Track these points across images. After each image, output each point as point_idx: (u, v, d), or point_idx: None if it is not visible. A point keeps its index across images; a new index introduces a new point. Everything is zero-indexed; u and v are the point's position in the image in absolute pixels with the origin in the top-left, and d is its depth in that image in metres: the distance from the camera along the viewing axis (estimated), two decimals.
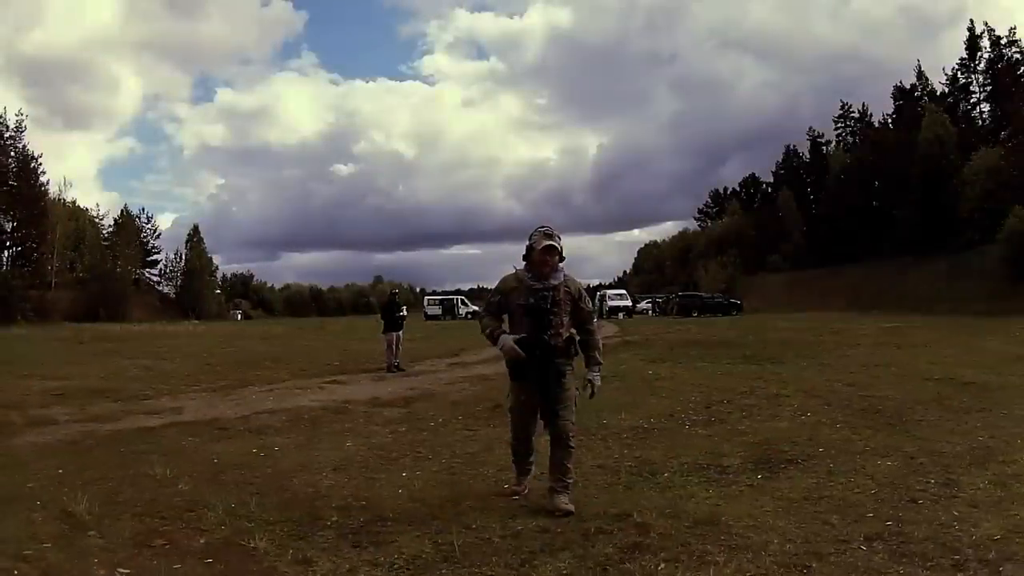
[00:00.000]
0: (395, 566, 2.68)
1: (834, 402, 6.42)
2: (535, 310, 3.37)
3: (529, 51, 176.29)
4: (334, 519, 3.24)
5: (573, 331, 3.52)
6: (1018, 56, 41.76)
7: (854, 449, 4.43)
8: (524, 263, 3.50)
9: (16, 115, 42.60)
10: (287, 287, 74.95)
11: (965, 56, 45.40)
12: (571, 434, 3.48)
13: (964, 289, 25.72)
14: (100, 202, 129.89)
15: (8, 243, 42.97)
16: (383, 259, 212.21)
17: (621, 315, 35.96)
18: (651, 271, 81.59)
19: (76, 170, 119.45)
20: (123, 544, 2.98)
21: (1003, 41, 43.64)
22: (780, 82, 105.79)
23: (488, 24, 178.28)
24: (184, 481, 3.97)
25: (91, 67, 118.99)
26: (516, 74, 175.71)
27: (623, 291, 43.40)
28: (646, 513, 3.12)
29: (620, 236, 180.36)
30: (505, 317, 3.58)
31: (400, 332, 11.39)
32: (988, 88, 44.05)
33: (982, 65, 44.58)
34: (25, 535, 3.04)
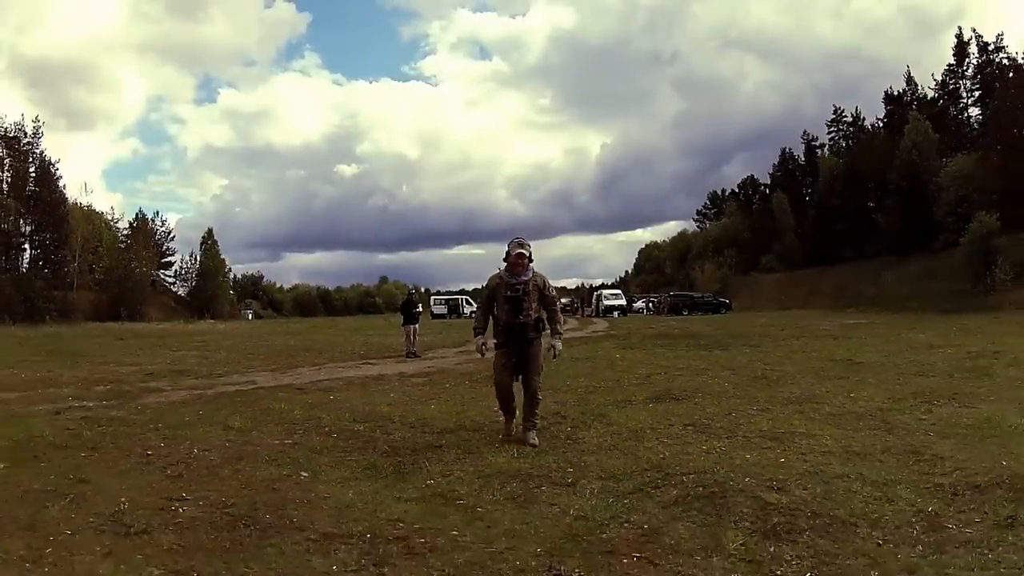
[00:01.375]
0: (427, 433, 5.17)
1: (740, 372, 8.89)
2: (512, 298, 4.85)
3: (531, 51, 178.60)
4: (395, 422, 5.74)
5: (541, 312, 4.95)
6: (1006, 61, 43.85)
7: (723, 394, 6.91)
8: (504, 264, 5.00)
9: (33, 121, 44.67)
10: (296, 287, 77.79)
11: (953, 62, 47.73)
12: (537, 388, 4.91)
13: (933, 289, 28.01)
14: (104, 203, 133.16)
15: (26, 245, 45.50)
16: (387, 259, 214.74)
17: (616, 314, 38.61)
18: (651, 271, 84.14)
19: (80, 171, 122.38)
20: (275, 438, 5.42)
21: (991, 47, 46.03)
22: (782, 82, 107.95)
23: (490, 24, 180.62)
24: (296, 410, 6.48)
25: (94, 69, 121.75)
26: (519, 74, 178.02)
27: (618, 291, 46.07)
28: (571, 414, 5.62)
29: (623, 236, 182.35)
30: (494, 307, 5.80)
31: (416, 325, 13.92)
32: (977, 92, 46.30)
33: (970, 71, 46.85)
34: (207, 438, 5.39)
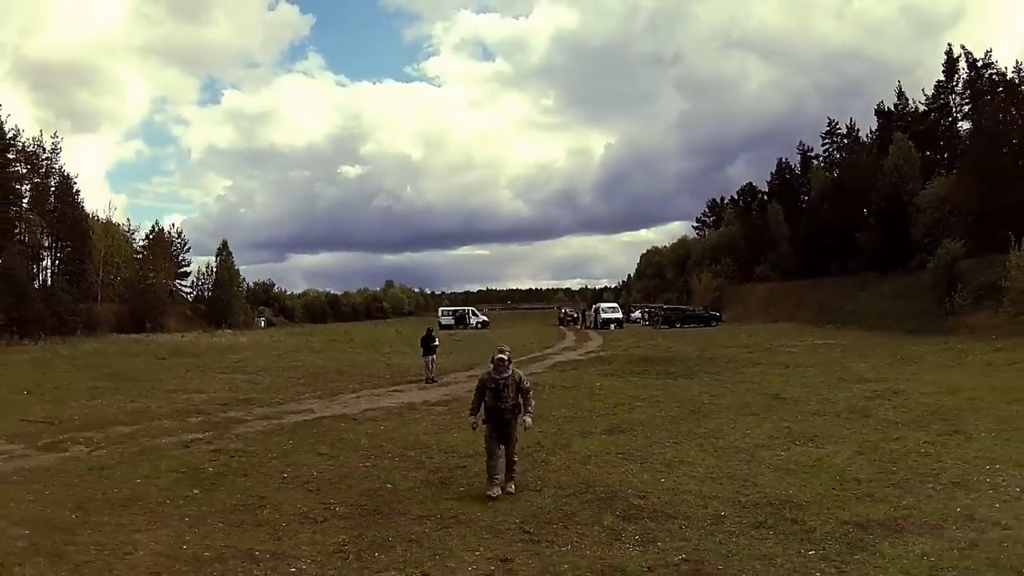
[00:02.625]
0: (455, 456, 8.19)
1: (684, 405, 11.89)
2: (495, 390, 6.89)
3: (534, 52, 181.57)
4: (433, 448, 8.77)
5: (519, 399, 6.92)
6: (995, 77, 46.24)
7: (658, 427, 9.92)
8: (491, 365, 7.18)
9: (52, 137, 47.15)
10: (305, 294, 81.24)
11: (943, 79, 50.36)
12: (514, 454, 6.93)
13: (904, 308, 30.64)
14: (108, 203, 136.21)
15: (46, 258, 48.17)
16: (391, 260, 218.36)
17: (613, 326, 41.69)
18: (652, 276, 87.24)
19: (84, 173, 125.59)
20: (357, 461, 8.43)
21: (979, 63, 48.61)
22: (785, 82, 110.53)
23: (493, 25, 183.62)
24: (362, 439, 9.53)
25: (98, 71, 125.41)
26: (522, 75, 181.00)
27: (615, 304, 49.32)
28: (546, 443, 8.65)
29: (627, 236, 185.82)
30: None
31: (434, 356, 16.95)
32: (967, 107, 48.88)
33: (960, 86, 49.44)
34: (312, 463, 8.41)
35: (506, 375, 6.95)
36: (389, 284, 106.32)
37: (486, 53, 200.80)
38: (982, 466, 7.18)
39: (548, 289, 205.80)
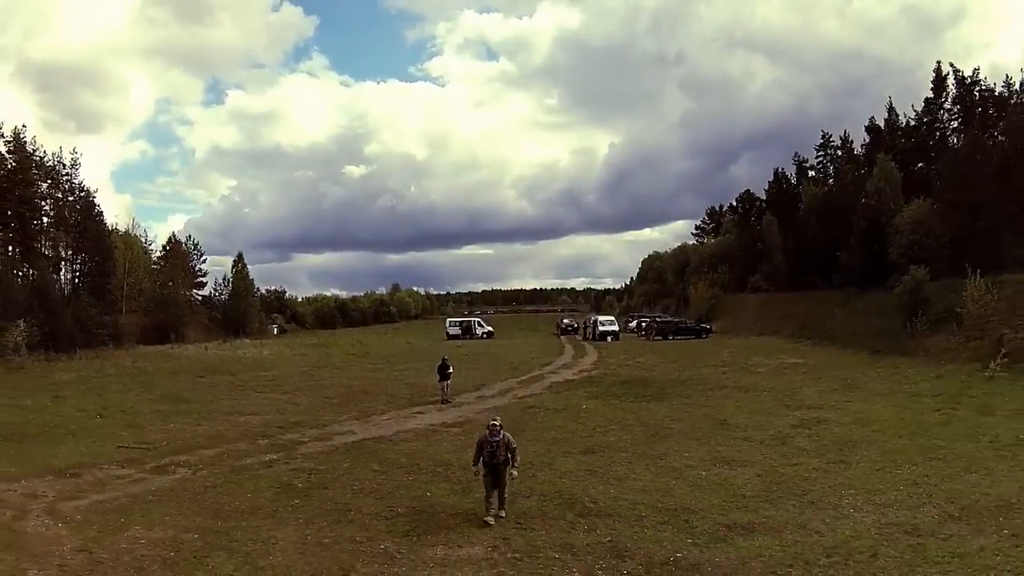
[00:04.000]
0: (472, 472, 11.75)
1: (648, 428, 15.41)
2: (491, 451, 9.23)
3: (538, 52, 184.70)
4: (455, 466, 12.33)
5: (508, 455, 9.22)
6: (983, 92, 48.98)
7: (622, 449, 13.45)
8: (487, 430, 9.48)
9: (71, 153, 49.95)
10: (316, 300, 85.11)
11: (931, 96, 53.44)
12: (505, 495, 9.24)
13: (876, 327, 33.65)
14: (112, 204, 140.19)
15: (67, 270, 51.05)
16: (395, 259, 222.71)
17: (609, 339, 45.32)
18: (654, 280, 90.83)
19: (89, 174, 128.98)
20: (402, 477, 11.96)
21: (967, 81, 51.65)
22: (788, 81, 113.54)
23: (496, 25, 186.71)
24: (401, 458, 13.09)
25: (102, 72, 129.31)
26: (525, 75, 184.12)
27: (612, 318, 52.97)
28: (536, 462, 12.21)
29: (631, 236, 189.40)
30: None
31: (448, 381, 20.49)
32: (957, 122, 51.89)
33: (948, 102, 52.49)
34: (369, 478, 12.04)
35: (497, 439, 9.51)
36: (395, 288, 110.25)
37: (490, 53, 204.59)
38: (840, 490, 10.40)
39: (552, 289, 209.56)
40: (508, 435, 9.69)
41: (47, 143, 72.95)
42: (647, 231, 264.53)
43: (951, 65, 50.73)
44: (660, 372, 26.21)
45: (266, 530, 9.18)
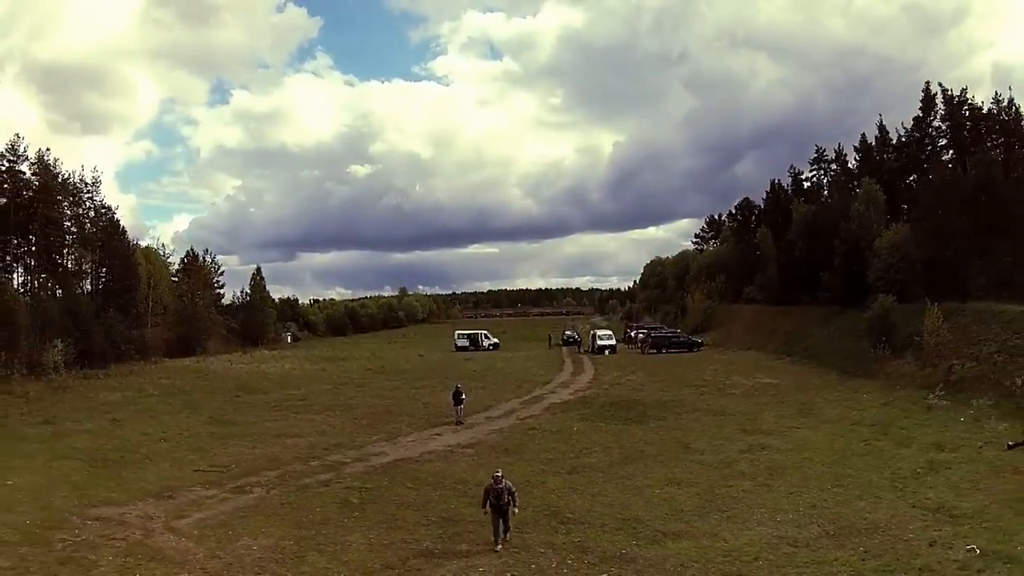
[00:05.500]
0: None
1: (624, 450, 19.57)
2: (496, 496, 12.19)
3: (542, 51, 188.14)
4: (471, 483, 16.49)
5: (509, 499, 12.21)
6: (973, 111, 52.02)
7: (598, 469, 17.67)
8: (492, 480, 12.53)
9: (92, 171, 53.24)
10: (326, 305, 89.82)
11: (920, 115, 56.95)
12: (508, 528, 12.30)
13: (849, 348, 36.56)
14: (117, 204, 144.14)
15: (89, 285, 54.38)
16: (400, 258, 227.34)
17: (607, 352, 49.58)
18: (655, 287, 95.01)
19: (93, 173, 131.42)
20: (432, 493, 16.16)
21: (955, 100, 55.10)
22: (792, 79, 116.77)
23: (500, 24, 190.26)
24: (430, 476, 17.31)
25: (107, 73, 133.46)
26: (529, 74, 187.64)
27: (610, 332, 57.28)
28: (532, 480, 16.39)
29: (636, 234, 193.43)
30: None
31: (462, 405, 24.68)
32: (945, 140, 55.33)
33: (936, 121, 55.95)
34: (412, 494, 16.26)
35: (500, 486, 12.37)
36: (403, 292, 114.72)
37: (494, 52, 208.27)
38: (755, 508, 14.25)
39: (558, 289, 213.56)
40: (509, 483, 12.65)
41: (52, 144, 75.96)
42: (652, 229, 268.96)
43: (940, 85, 53.65)
44: (646, 392, 30.34)
45: (339, 535, 13.36)
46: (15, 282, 48.10)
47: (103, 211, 54.42)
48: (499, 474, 12.74)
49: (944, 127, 54.15)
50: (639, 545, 12.42)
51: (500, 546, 12.22)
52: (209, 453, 20.67)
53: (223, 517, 14.53)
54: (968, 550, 11.29)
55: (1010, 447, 17.23)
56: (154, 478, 17.66)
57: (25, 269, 50.88)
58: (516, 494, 12.64)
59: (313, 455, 20.30)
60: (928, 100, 56.36)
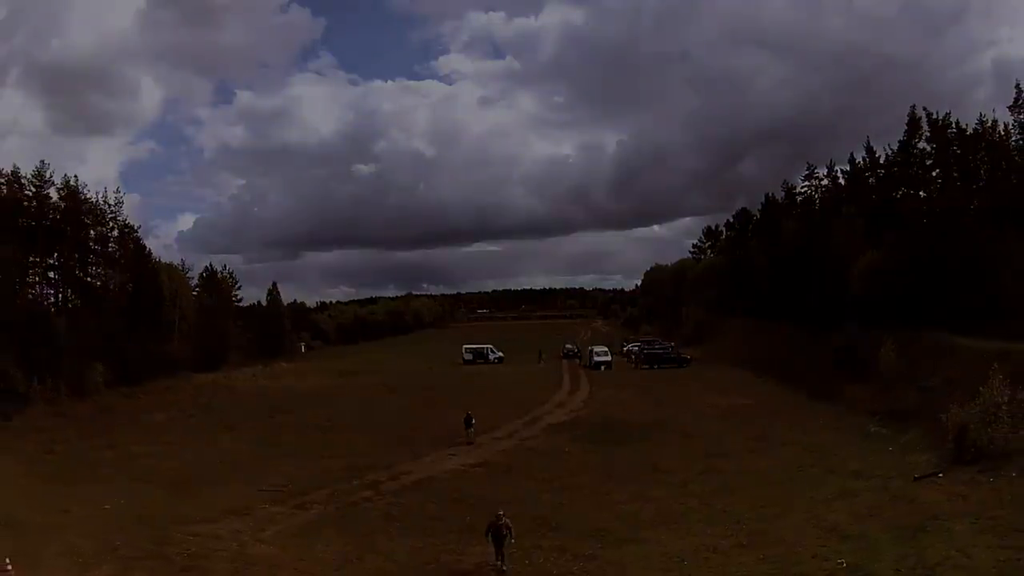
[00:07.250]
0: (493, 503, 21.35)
1: (606, 472, 24.96)
2: (496, 530, 15.87)
3: (545, 50, 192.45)
4: (486, 498, 21.89)
5: (509, 532, 15.86)
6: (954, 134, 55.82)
7: (581, 488, 23.14)
8: (495, 517, 16.14)
9: (115, 192, 56.43)
10: (338, 313, 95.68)
11: (904, 138, 61.33)
12: (504, 559, 15.68)
13: (820, 371, 40.27)
14: (122, 204, 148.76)
15: (111, 302, 56.98)
16: (404, 257, 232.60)
17: (603, 368, 55.14)
18: (655, 294, 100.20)
19: (97, 173, 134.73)
20: (458, 511, 21.60)
21: (940, 123, 59.40)
22: (795, 78, 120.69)
23: (503, 24, 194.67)
24: (453, 493, 22.81)
25: (111, 74, 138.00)
26: (532, 73, 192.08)
27: (606, 348, 62.59)
28: (526, 498, 21.85)
29: (639, 232, 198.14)
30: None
31: (472, 428, 30.09)
32: (930, 162, 59.52)
33: (921, 144, 60.18)
34: (446, 510, 21.73)
35: (500, 523, 15.73)
36: (410, 295, 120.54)
37: (496, 51, 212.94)
38: (696, 522, 18.77)
39: (561, 289, 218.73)
40: (507, 520, 16.03)
41: (56, 144, 79.00)
42: (655, 228, 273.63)
43: (924, 109, 57.44)
44: (633, 414, 35.64)
45: (386, 542, 18.69)
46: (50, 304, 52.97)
47: (126, 230, 59.42)
48: (501, 513, 16.24)
49: (930, 148, 59.01)
50: (603, 548, 17.76)
51: (505, 567, 16.00)
52: (267, 472, 25.08)
53: (295, 530, 18.93)
54: (839, 563, 14.38)
55: (916, 479, 19.54)
56: (227, 497, 21.68)
57: (56, 291, 55.30)
58: (512, 529, 16.12)
59: (352, 475, 25.43)
60: (913, 123, 61.13)
